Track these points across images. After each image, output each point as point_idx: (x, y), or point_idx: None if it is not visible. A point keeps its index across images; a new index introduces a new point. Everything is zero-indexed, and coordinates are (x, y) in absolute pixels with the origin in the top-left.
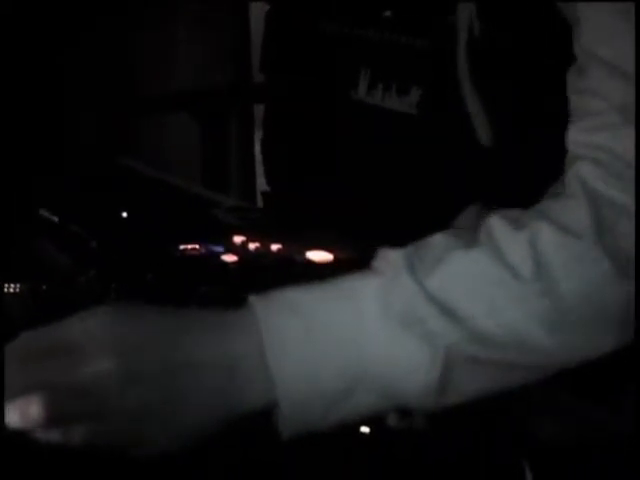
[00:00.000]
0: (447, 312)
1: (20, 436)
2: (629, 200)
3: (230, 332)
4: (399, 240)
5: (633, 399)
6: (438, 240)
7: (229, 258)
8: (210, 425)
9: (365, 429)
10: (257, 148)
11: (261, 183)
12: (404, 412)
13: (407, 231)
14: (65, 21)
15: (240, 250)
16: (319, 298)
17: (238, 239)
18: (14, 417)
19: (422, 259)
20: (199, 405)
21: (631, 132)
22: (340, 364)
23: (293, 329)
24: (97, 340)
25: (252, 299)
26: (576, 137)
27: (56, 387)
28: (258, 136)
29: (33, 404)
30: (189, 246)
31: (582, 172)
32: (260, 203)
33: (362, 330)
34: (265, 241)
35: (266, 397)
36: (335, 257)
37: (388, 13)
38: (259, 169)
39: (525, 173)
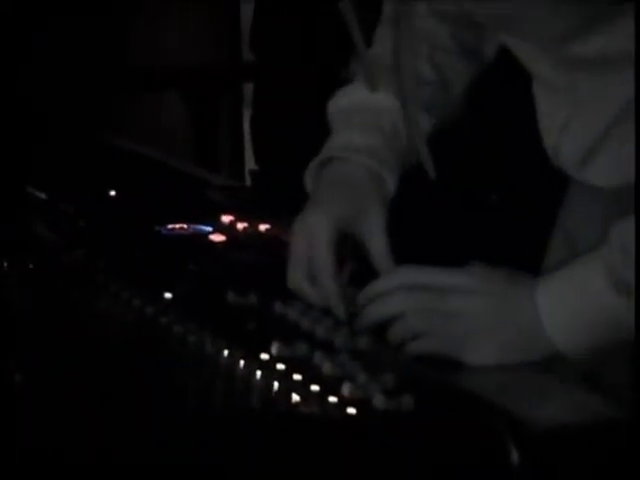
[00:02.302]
0: None
1: None
2: None
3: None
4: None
5: (628, 386)
6: None
7: (217, 237)
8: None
9: (352, 410)
10: (246, 127)
11: (250, 162)
12: (390, 394)
13: (391, 209)
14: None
15: (228, 230)
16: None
17: (226, 219)
18: (396, 329)
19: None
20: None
21: None
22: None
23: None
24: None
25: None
26: None
27: (428, 310)
28: (247, 115)
29: (411, 320)
30: (177, 225)
31: None
32: (248, 182)
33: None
34: (253, 221)
35: None
36: None
37: None
38: (248, 148)
39: None
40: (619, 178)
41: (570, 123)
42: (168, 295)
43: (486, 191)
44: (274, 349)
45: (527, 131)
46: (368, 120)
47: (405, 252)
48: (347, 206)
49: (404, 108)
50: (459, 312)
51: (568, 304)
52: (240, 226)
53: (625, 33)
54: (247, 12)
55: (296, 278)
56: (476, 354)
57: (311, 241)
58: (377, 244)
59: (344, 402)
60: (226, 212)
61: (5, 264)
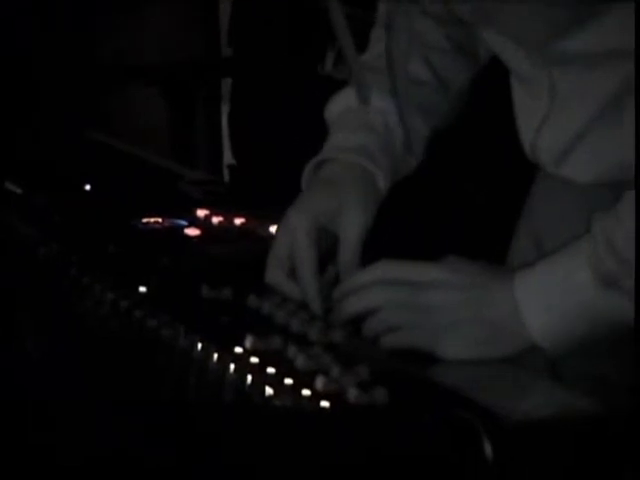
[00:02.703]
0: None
1: None
2: None
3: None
4: None
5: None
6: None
7: (192, 232)
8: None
9: (325, 403)
10: (224, 122)
11: (228, 156)
12: (364, 387)
13: None
14: None
15: (203, 224)
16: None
17: (201, 213)
18: (371, 323)
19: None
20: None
21: None
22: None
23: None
24: (440, 278)
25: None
26: None
27: (404, 304)
28: (225, 110)
29: (387, 314)
30: (152, 219)
31: None
32: (226, 176)
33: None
34: (229, 215)
35: None
36: None
37: None
38: (226, 143)
39: None
40: (597, 174)
41: (549, 119)
42: (142, 289)
43: (462, 181)
44: (248, 343)
45: (507, 126)
46: (359, 121)
47: (379, 242)
48: (328, 202)
49: (399, 109)
50: (435, 306)
51: (549, 298)
52: (215, 220)
53: (605, 30)
54: (225, 7)
55: (274, 273)
56: (452, 348)
57: (292, 237)
58: (347, 239)
59: (318, 395)
60: (201, 206)
61: None
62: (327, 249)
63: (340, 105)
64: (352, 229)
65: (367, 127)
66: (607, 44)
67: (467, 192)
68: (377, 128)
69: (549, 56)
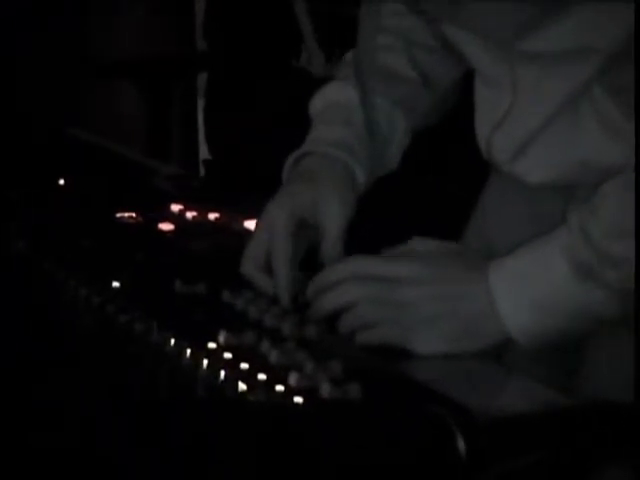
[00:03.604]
0: (616, 265)
1: None
2: None
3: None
4: None
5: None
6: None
7: (166, 226)
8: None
9: (299, 399)
10: (200, 116)
11: (204, 151)
12: (337, 382)
13: None
14: None
15: (177, 218)
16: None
17: (175, 207)
18: (347, 320)
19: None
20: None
21: None
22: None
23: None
24: (414, 274)
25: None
26: None
27: (379, 300)
28: (201, 105)
29: (361, 310)
30: (126, 214)
31: None
32: (202, 171)
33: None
34: (202, 210)
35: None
36: None
37: None
38: (202, 137)
39: None
40: (547, 175)
41: (506, 117)
42: (116, 284)
43: (424, 175)
44: (221, 338)
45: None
46: (339, 115)
47: (359, 238)
48: (307, 195)
49: (363, 102)
50: (409, 302)
51: (524, 289)
52: (189, 215)
53: (565, 31)
54: (200, 1)
55: (249, 266)
56: (427, 344)
57: (269, 230)
58: (329, 231)
59: (291, 391)
60: (175, 201)
61: None
62: (314, 243)
63: (324, 100)
64: (333, 221)
65: (348, 121)
66: (566, 44)
67: (449, 190)
68: (355, 122)
69: (511, 53)
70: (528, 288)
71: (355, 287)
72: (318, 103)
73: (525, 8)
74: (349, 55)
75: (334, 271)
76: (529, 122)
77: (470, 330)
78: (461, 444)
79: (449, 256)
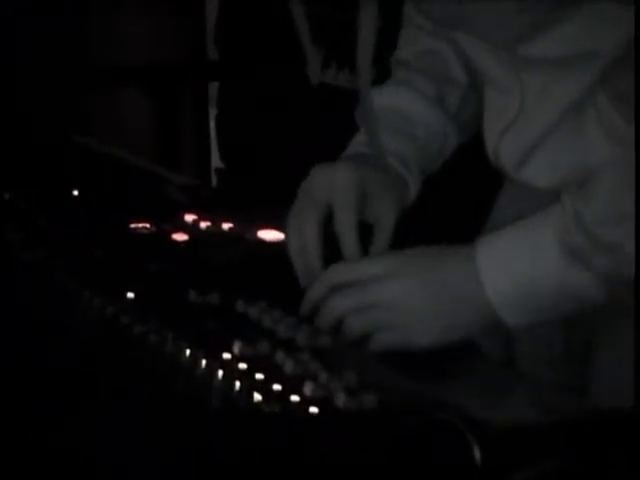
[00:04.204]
0: (606, 250)
1: None
2: None
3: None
4: None
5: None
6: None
7: (179, 237)
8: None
9: (314, 409)
10: (212, 125)
11: (216, 160)
12: (352, 392)
13: None
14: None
15: (191, 229)
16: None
17: (189, 217)
18: (344, 334)
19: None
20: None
21: None
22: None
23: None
24: (391, 269)
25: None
26: None
27: (364, 306)
28: (213, 113)
29: (351, 321)
30: (140, 224)
31: None
32: (214, 180)
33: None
34: (216, 220)
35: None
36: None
37: None
38: (214, 146)
39: None
40: (552, 179)
41: (513, 124)
42: (130, 294)
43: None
44: (236, 348)
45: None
46: (402, 124)
47: None
48: (376, 174)
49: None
50: (394, 298)
51: (511, 264)
52: (203, 225)
53: (567, 36)
54: (212, 10)
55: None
56: (424, 336)
57: (333, 187)
58: (383, 225)
59: (306, 401)
60: (189, 211)
61: None
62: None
63: (382, 102)
64: (388, 216)
65: (410, 134)
66: (570, 48)
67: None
68: (419, 136)
69: (517, 59)
70: (515, 265)
71: (337, 301)
72: (376, 104)
73: (525, 11)
74: (398, 55)
75: (316, 288)
76: (533, 129)
77: (459, 311)
78: (477, 453)
79: (424, 248)
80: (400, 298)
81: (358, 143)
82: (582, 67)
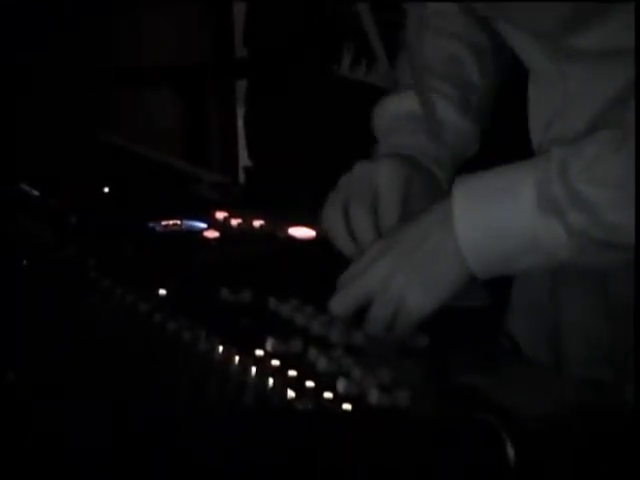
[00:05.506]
0: (583, 207)
1: None
2: None
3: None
4: None
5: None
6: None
7: (211, 234)
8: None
9: (347, 406)
10: (240, 123)
11: (243, 158)
12: (385, 389)
13: None
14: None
15: (222, 226)
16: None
17: (220, 215)
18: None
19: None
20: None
21: None
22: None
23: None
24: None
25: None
26: None
27: (372, 296)
28: (241, 111)
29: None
30: (170, 222)
31: None
32: (242, 178)
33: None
34: (247, 217)
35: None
36: (317, 233)
37: None
38: (242, 144)
39: None
40: None
41: (557, 117)
42: (162, 292)
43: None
44: (269, 345)
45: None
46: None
47: None
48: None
49: (424, 108)
50: (385, 275)
51: (485, 207)
52: (234, 222)
53: (610, 30)
54: (240, 9)
55: (333, 213)
56: (419, 305)
57: (376, 176)
58: None
59: (339, 398)
60: (220, 208)
61: None
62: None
63: (399, 109)
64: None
65: (440, 140)
66: (612, 43)
67: None
68: (448, 140)
69: (560, 52)
70: (489, 208)
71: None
72: (394, 110)
73: (568, 7)
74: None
75: (336, 303)
76: (577, 122)
77: (436, 264)
78: (510, 451)
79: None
80: (389, 272)
81: (396, 146)
82: (624, 62)
